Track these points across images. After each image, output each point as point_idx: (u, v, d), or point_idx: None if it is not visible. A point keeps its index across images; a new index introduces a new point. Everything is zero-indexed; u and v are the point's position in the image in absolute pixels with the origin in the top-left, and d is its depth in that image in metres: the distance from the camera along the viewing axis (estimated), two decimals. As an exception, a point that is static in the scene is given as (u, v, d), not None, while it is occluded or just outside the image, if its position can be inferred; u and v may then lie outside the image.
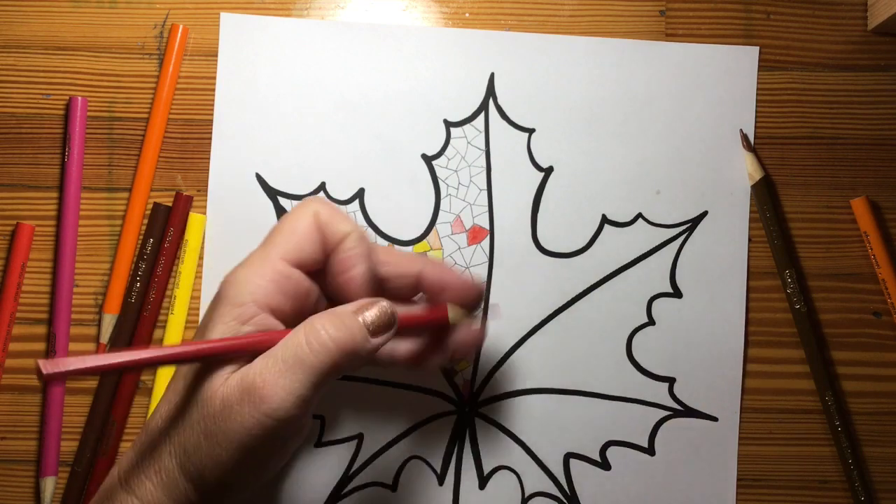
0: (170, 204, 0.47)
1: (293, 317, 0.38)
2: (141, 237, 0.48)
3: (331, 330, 0.36)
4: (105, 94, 0.48)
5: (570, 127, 0.48)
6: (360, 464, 0.48)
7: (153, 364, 0.35)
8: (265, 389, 0.34)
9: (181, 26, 0.48)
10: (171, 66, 0.48)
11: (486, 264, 0.48)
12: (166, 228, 0.47)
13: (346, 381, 0.47)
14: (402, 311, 0.39)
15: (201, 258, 0.48)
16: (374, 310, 0.37)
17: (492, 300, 0.48)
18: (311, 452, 0.47)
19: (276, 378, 0.35)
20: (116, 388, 0.47)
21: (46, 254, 0.48)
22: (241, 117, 0.48)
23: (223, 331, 0.36)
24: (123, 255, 0.47)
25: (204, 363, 0.36)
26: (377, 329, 0.37)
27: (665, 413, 0.48)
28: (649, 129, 0.49)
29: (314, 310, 0.39)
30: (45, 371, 0.31)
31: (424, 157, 0.48)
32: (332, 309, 0.38)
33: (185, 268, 0.47)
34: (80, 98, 0.47)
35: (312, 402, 0.36)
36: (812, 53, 0.49)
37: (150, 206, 0.48)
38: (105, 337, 0.47)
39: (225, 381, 0.36)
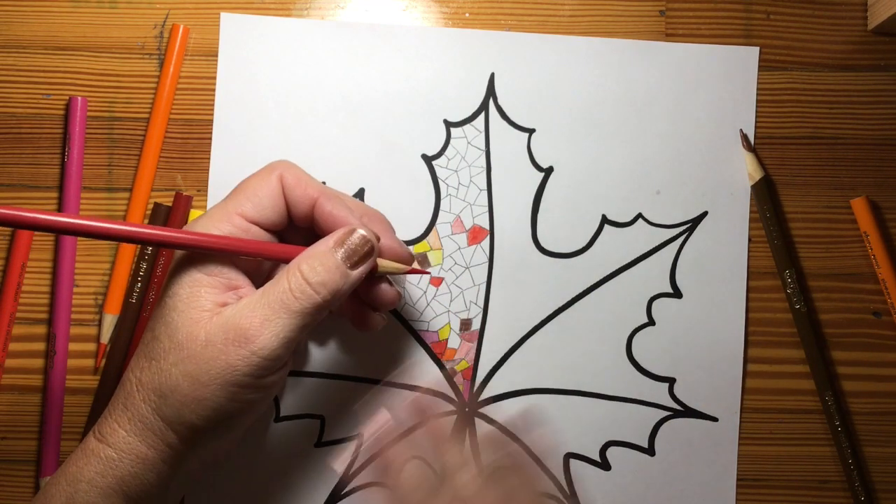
0: (170, 204, 0.47)
1: (256, 268, 0.40)
2: (141, 237, 0.48)
3: (311, 275, 0.37)
4: (105, 94, 0.48)
5: (570, 127, 0.48)
6: (359, 464, 0.48)
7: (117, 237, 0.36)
8: (251, 331, 0.36)
9: (181, 26, 0.48)
10: (171, 66, 0.48)
11: (486, 264, 0.48)
12: (166, 228, 0.47)
13: (347, 381, 0.47)
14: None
15: (201, 258, 0.48)
16: (353, 239, 0.38)
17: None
18: (310, 452, 0.47)
19: (262, 321, 0.36)
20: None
21: (46, 254, 0.48)
22: (241, 117, 0.48)
23: (187, 281, 0.38)
24: (123, 255, 0.47)
25: (194, 254, 0.37)
26: (357, 261, 0.38)
27: (665, 413, 0.48)
28: (649, 130, 0.49)
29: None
30: None
31: (424, 157, 0.48)
32: (312, 249, 0.38)
33: (185, 268, 0.47)
34: (80, 98, 0.47)
35: (298, 341, 0.38)
36: (812, 53, 0.49)
37: (150, 207, 0.48)
38: (105, 337, 0.47)
39: (210, 321, 0.37)
